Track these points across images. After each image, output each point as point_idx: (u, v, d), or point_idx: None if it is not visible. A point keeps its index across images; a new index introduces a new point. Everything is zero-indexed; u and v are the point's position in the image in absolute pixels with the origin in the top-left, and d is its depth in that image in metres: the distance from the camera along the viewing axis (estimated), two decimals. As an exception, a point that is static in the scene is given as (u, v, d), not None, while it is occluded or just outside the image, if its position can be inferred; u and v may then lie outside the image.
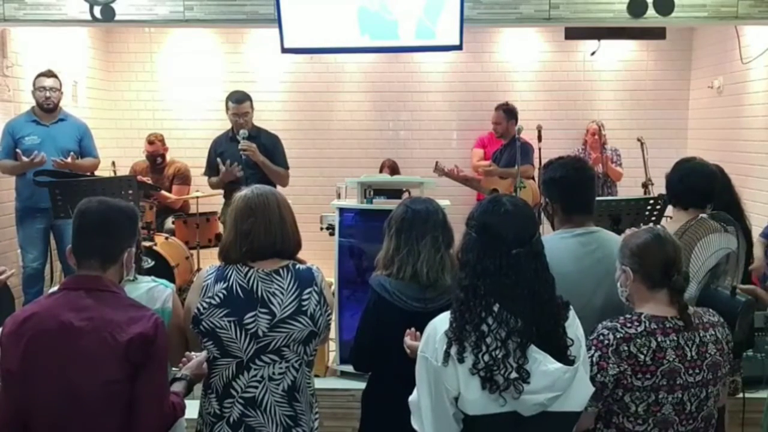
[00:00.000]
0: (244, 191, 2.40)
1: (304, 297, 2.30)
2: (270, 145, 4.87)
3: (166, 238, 5.57)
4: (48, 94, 4.88)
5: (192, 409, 2.31)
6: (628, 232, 2.37)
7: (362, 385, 2.74)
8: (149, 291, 2.29)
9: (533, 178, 5.69)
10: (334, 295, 4.01)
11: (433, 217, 2.52)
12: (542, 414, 1.77)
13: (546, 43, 6.96)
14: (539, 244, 1.87)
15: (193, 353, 2.30)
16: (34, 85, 4.93)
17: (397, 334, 2.37)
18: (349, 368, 4.00)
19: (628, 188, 6.32)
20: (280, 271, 2.32)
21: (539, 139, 5.68)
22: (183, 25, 5.08)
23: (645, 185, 6.05)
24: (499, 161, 5.93)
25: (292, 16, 4.78)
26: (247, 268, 2.31)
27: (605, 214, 3.48)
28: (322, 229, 4.36)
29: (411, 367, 1.93)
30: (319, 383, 2.70)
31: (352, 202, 4.28)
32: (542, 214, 2.76)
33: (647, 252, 2.11)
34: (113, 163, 6.44)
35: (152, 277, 2.36)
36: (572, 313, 1.89)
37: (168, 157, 6.33)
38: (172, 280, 4.65)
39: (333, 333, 4.00)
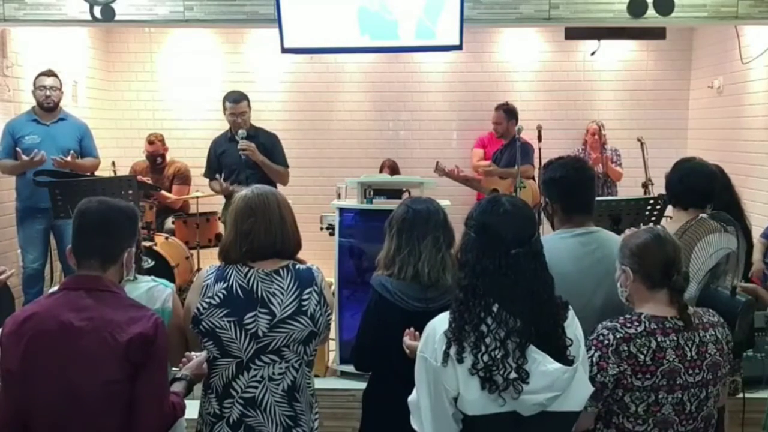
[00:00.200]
0: (244, 191, 2.40)
1: (304, 297, 2.30)
2: (269, 144, 4.88)
3: (166, 238, 5.57)
4: (48, 93, 4.88)
5: (192, 409, 2.31)
6: (628, 232, 2.37)
7: (362, 385, 2.74)
8: (149, 291, 2.29)
9: (533, 178, 5.69)
10: (334, 295, 4.01)
11: (434, 217, 2.52)
12: (541, 414, 1.77)
13: (546, 43, 6.96)
14: (538, 244, 1.87)
15: (193, 353, 2.30)
16: (34, 84, 4.94)
17: (398, 334, 2.37)
18: (349, 368, 4.00)
19: (628, 188, 6.31)
20: (280, 271, 2.32)
21: (539, 139, 5.67)
22: (183, 25, 5.08)
23: (645, 185, 6.04)
24: (499, 161, 5.93)
25: (292, 16, 4.78)
26: (247, 268, 2.31)
27: (605, 214, 3.48)
28: (322, 229, 4.36)
29: (412, 367, 1.93)
30: (319, 383, 2.69)
31: (352, 202, 4.28)
32: (542, 214, 2.76)
33: (647, 252, 2.11)
34: (113, 163, 6.44)
35: (152, 277, 2.36)
36: (571, 313, 1.90)
37: (168, 157, 6.33)
38: (172, 280, 4.64)
39: (333, 333, 4.00)
